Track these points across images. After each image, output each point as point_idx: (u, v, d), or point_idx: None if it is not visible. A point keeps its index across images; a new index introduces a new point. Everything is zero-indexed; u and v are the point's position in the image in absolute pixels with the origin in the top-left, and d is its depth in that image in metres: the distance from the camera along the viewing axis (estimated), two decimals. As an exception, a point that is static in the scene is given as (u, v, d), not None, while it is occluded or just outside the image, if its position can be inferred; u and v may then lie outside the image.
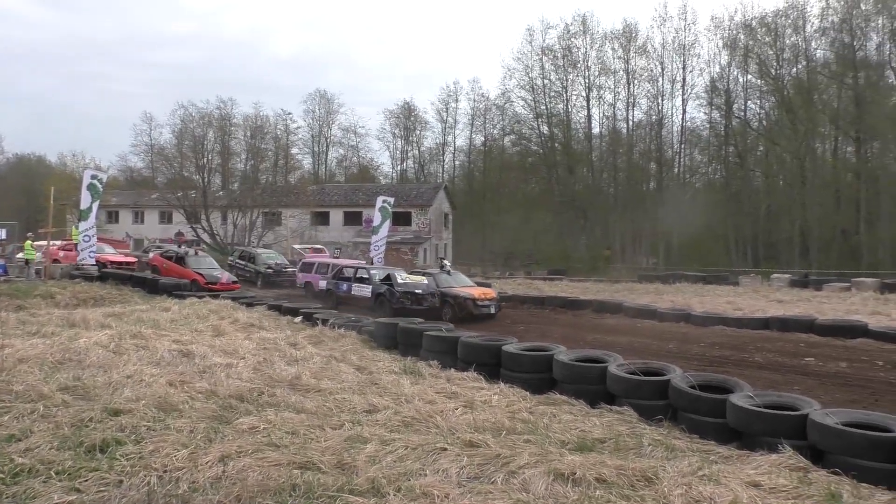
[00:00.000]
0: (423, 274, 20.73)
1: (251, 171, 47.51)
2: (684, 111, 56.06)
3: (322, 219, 49.28)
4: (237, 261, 28.61)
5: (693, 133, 57.04)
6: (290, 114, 66.38)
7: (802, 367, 11.18)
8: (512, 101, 60.84)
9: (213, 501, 4.57)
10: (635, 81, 56.59)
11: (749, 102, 54.62)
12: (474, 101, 65.85)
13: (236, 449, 5.46)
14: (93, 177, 24.27)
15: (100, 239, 27.34)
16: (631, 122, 57.86)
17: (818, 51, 51.02)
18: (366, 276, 19.30)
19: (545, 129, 59.46)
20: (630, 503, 4.59)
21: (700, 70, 57.06)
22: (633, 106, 57.22)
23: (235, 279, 24.22)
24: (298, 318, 14.76)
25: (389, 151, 69.98)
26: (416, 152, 69.54)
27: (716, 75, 54.54)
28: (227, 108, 47.53)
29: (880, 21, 47.70)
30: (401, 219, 45.73)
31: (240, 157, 48.79)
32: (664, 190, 55.28)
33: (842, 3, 48.56)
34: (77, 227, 25.06)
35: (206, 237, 41.13)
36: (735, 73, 54.02)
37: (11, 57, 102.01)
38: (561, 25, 69.94)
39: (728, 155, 54.96)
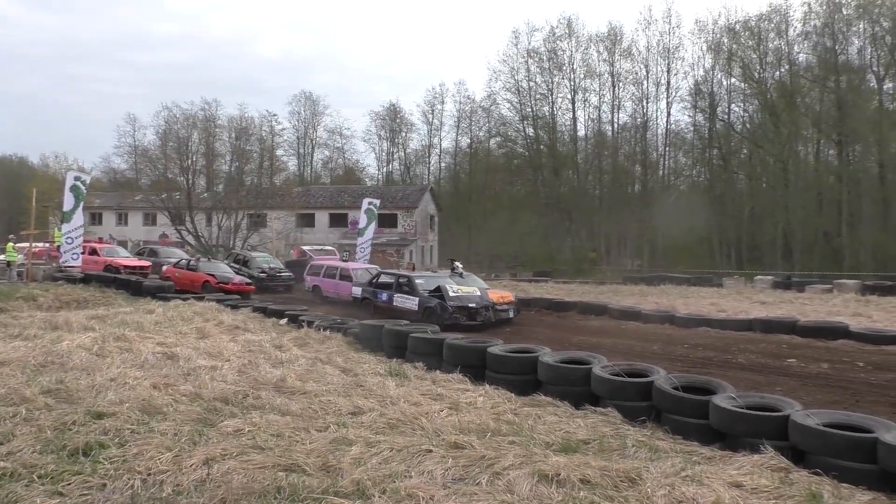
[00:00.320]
0: (433, 276, 19.94)
1: (236, 173, 47.20)
2: (669, 114, 56.40)
3: (307, 220, 49.15)
4: (230, 265, 27.71)
5: (677, 136, 57.42)
6: (275, 115, 66.23)
7: (784, 369, 11.26)
8: (498, 104, 61.05)
9: (198, 504, 4.57)
10: (620, 84, 56.89)
11: (733, 105, 55.12)
12: (460, 103, 66.11)
13: (221, 451, 5.45)
14: (76, 178, 24.11)
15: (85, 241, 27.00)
16: (616, 125, 58.22)
17: (801, 55, 51.53)
18: (410, 285, 17.68)
19: (531, 131, 59.63)
20: (614, 503, 4.61)
21: (684, 73, 57.40)
22: (618, 108, 57.54)
23: (249, 282, 23.75)
24: (284, 321, 14.73)
25: (375, 153, 70.06)
26: (402, 154, 69.62)
27: (700, 78, 54.96)
28: (212, 109, 47.22)
29: (861, 25, 48.20)
30: (386, 221, 45.69)
31: (224, 158, 48.47)
32: (649, 192, 55.59)
33: (824, 7, 49.07)
34: (59, 229, 24.86)
35: (190, 239, 40.89)
36: (719, 76, 54.45)
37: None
38: (546, 28, 70.30)
39: (712, 158, 55.35)
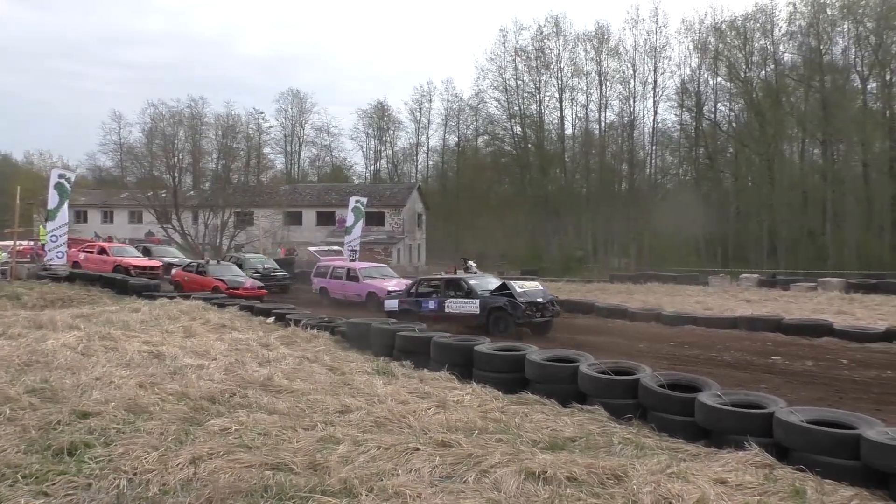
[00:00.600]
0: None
1: (223, 171, 46.90)
2: (655, 113, 56.68)
3: (294, 219, 49.03)
4: None
5: (664, 134, 57.70)
6: (262, 113, 66.01)
7: (769, 366, 11.37)
8: (485, 102, 61.18)
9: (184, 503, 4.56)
10: (607, 83, 57.10)
11: (719, 105, 55.55)
12: (448, 101, 66.08)
13: (207, 451, 5.44)
14: (60, 176, 23.93)
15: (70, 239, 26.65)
16: (603, 124, 58.44)
17: (786, 54, 51.96)
18: (466, 288, 15.94)
19: (518, 129, 59.77)
20: (600, 501, 4.63)
21: (671, 72, 57.66)
22: (606, 107, 57.78)
23: (262, 285, 23.03)
24: (271, 319, 14.69)
25: (363, 151, 70.07)
26: (390, 152, 69.63)
27: (686, 77, 55.31)
28: (198, 106, 46.89)
29: (846, 26, 48.64)
30: (374, 219, 45.68)
31: (211, 156, 48.15)
32: (636, 191, 55.84)
33: (809, 7, 49.54)
34: (44, 227, 24.65)
35: (177, 237, 40.68)
36: (705, 75, 54.83)
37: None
38: (534, 27, 69.84)
39: (698, 156, 55.73)
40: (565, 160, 58.60)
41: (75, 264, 25.12)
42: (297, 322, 13.53)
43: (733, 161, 54.21)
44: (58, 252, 23.14)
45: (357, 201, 31.79)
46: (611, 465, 5.22)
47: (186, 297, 17.77)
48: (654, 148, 58.04)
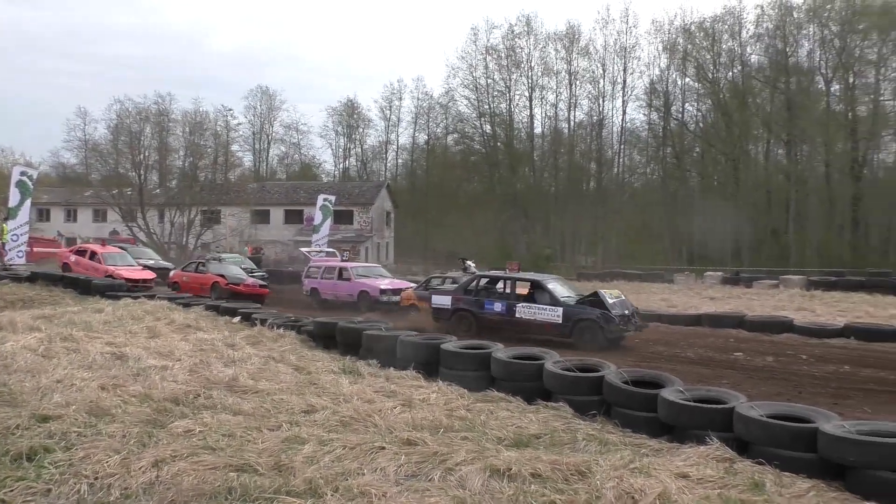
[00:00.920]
0: (444, 279, 18.03)
1: (190, 169, 46.39)
2: (624, 112, 57.18)
3: (262, 217, 48.65)
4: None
5: (632, 134, 58.21)
6: (230, 110, 65.03)
7: (731, 362, 11.59)
8: (455, 100, 61.08)
9: (147, 507, 4.52)
10: (577, 82, 57.38)
11: (686, 105, 56.14)
12: (418, 99, 65.84)
13: (171, 453, 5.38)
14: (22, 173, 23.54)
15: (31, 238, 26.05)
16: (572, 123, 58.72)
17: (753, 56, 52.70)
18: (545, 292, 14.08)
19: (488, 128, 59.85)
20: (564, 497, 4.68)
21: (640, 72, 58.25)
22: (575, 106, 58.04)
23: (265, 284, 22.30)
24: (237, 319, 14.55)
25: (332, 149, 69.48)
26: (359, 150, 69.24)
27: (655, 78, 55.84)
28: (165, 103, 46.34)
29: (811, 28, 49.49)
30: (342, 217, 45.51)
31: (178, 153, 47.62)
32: (604, 190, 56.32)
33: (776, 10, 50.35)
34: (6, 226, 24.16)
35: (142, 236, 40.13)
36: (674, 75, 55.41)
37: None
38: (505, 25, 70.16)
39: (665, 156, 56.32)
40: (534, 159, 58.86)
41: (65, 266, 23.58)
42: (263, 321, 13.41)
43: (700, 161, 54.95)
44: (18, 251, 22.72)
45: (325, 199, 31.72)
46: (575, 462, 5.29)
47: (151, 298, 17.49)
48: (622, 147, 58.55)
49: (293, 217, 49.01)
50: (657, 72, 55.90)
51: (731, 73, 53.09)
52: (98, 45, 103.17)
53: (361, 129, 68.43)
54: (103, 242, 26.88)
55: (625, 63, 56.19)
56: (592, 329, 12.87)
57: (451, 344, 9.18)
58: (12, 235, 22.60)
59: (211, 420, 6.46)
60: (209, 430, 6.12)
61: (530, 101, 58.34)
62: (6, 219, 23.68)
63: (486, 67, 58.67)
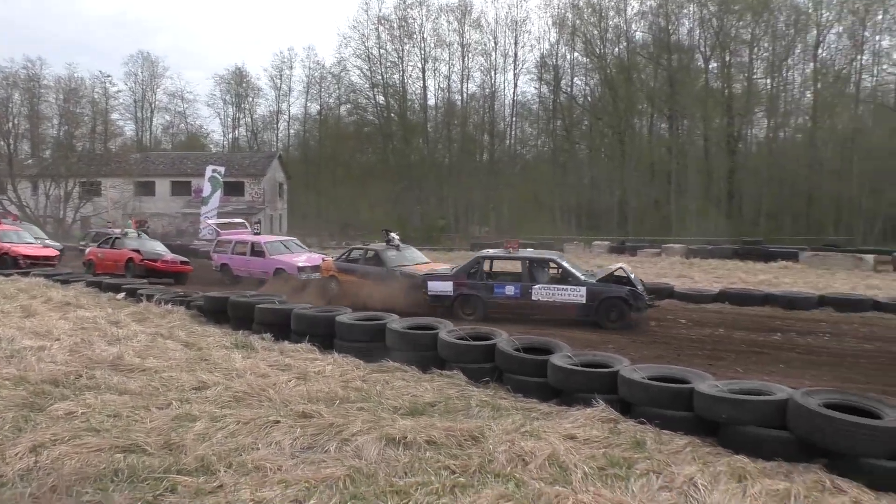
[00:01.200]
0: (366, 250, 16.73)
1: (65, 138, 43.65)
2: (516, 85, 58.31)
3: (147, 189, 46.44)
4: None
5: (524, 107, 59.28)
6: (109, 76, 61.89)
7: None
8: (348, 70, 60.21)
9: (25, 495, 4.30)
10: (469, 55, 57.74)
11: (575, 79, 57.47)
12: (309, 68, 64.83)
13: (50, 437, 5.15)
14: None
15: None
16: (465, 95, 59.15)
17: (637, 33, 54.47)
18: (563, 272, 13.06)
19: (381, 99, 59.46)
20: (458, 462, 4.81)
21: (531, 46, 59.56)
22: (468, 79, 58.47)
23: (187, 260, 20.51)
24: (121, 295, 13.92)
25: (220, 119, 67.33)
26: (249, 120, 67.18)
27: (545, 52, 56.93)
28: (36, 68, 43.33)
29: (692, 8, 51.61)
30: (233, 189, 44.09)
31: (52, 122, 44.72)
32: (496, 161, 57.17)
33: (659, -12, 52.12)
34: None
35: (14, 210, 37.54)
36: (563, 50, 56.56)
37: None
38: (397, -5, 69.73)
39: (556, 129, 57.67)
40: (428, 130, 58.95)
41: None
42: (149, 297, 12.89)
43: (588, 134, 56.62)
44: None
45: (214, 170, 30.68)
46: (468, 427, 5.43)
47: (25, 275, 16.47)
48: (514, 119, 59.60)
49: (180, 189, 47.06)
50: (547, 46, 57.15)
51: (617, 49, 54.74)
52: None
53: (251, 99, 66.52)
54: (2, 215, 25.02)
55: (516, 36, 57.05)
56: (620, 308, 12.19)
57: (346, 316, 9.14)
58: None
59: (94, 401, 6.20)
60: (92, 412, 5.88)
61: (423, 72, 58.32)
62: None
63: (379, 38, 58.12)
